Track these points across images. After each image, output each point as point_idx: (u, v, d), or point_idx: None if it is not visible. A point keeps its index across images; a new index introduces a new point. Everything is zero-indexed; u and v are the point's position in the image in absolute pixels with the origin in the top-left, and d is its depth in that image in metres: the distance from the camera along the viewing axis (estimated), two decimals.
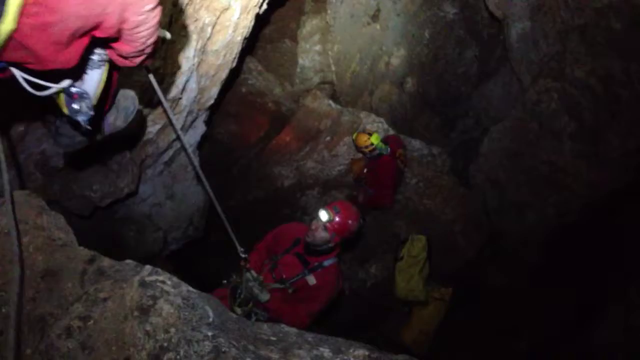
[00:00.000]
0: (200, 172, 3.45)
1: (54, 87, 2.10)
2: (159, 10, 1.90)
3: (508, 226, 7.08)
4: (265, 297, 4.13)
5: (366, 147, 7.04)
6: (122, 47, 2.02)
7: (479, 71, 8.55)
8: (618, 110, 5.91)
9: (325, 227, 4.12)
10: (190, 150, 6.11)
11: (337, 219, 4.13)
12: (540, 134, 6.56)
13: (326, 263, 4.25)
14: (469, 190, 7.57)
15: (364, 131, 7.44)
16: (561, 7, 6.22)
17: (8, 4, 1.53)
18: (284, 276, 4.28)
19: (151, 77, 2.65)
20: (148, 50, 2.07)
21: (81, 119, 2.26)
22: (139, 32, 1.92)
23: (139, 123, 4.73)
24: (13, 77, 1.93)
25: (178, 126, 5.35)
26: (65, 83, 2.14)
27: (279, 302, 4.20)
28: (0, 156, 1.99)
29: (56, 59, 1.85)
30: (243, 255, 4.02)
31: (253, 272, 4.18)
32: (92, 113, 2.28)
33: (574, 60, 6.13)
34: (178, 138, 5.31)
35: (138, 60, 2.13)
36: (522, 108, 6.82)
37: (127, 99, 2.85)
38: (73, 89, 2.19)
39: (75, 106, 2.21)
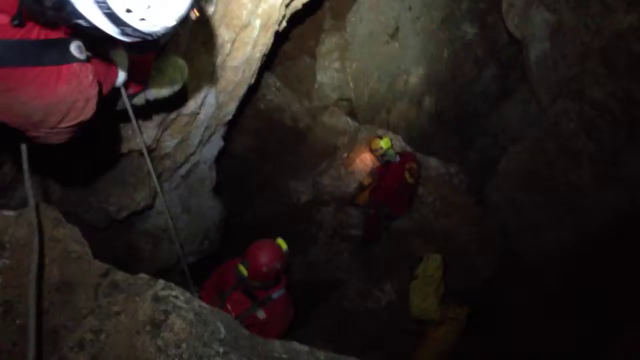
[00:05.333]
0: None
1: None
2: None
3: (525, 247, 7.02)
4: None
5: (376, 150, 7.39)
6: None
7: (497, 91, 8.53)
8: (637, 132, 5.87)
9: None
10: (206, 165, 6.17)
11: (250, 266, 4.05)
12: (558, 154, 6.52)
13: (275, 295, 4.19)
14: (485, 209, 7.52)
15: (376, 135, 7.80)
16: (581, 29, 6.20)
17: None
18: (233, 314, 4.13)
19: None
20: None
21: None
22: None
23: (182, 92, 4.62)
24: None
25: (195, 141, 5.41)
26: None
27: None
28: (25, 175, 2.06)
29: None
30: (195, 295, 3.91)
31: None
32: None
33: (593, 82, 6.10)
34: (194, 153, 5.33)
35: None
36: (540, 128, 6.80)
37: (175, 69, 2.99)
38: None
39: None
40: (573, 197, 6.44)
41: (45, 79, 1.78)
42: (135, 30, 1.57)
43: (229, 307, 4.25)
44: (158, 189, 3.24)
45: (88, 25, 1.56)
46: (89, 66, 1.94)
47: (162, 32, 1.65)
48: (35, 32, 1.73)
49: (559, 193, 6.57)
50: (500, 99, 8.43)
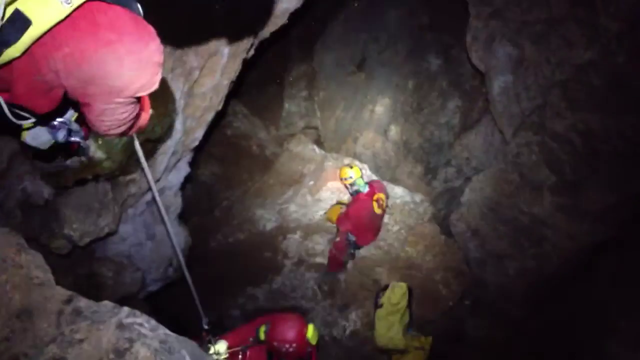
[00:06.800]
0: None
1: (31, 119, 2.00)
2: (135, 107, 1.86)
3: (488, 276, 7.08)
4: None
5: (345, 179, 7.30)
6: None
7: (461, 122, 8.67)
8: (598, 165, 5.99)
9: None
10: (172, 192, 6.12)
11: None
12: (520, 185, 6.62)
13: None
14: (450, 239, 7.59)
15: (347, 164, 7.72)
16: (543, 62, 6.37)
17: (25, 36, 1.53)
18: None
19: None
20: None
21: (75, 139, 2.20)
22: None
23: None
24: None
25: (161, 167, 5.38)
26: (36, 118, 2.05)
27: None
28: None
29: (32, 103, 1.83)
30: (205, 327, 3.86)
31: (218, 347, 4.05)
32: (75, 138, 2.22)
33: (554, 115, 6.24)
34: (158, 180, 5.29)
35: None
36: (503, 159, 6.90)
37: None
38: (55, 122, 2.11)
39: (60, 134, 2.15)
40: (535, 228, 6.53)
41: (140, 31, 1.69)
42: None
43: (247, 354, 4.22)
44: (150, 179, 3.08)
45: None
46: None
47: None
48: None
49: (521, 224, 6.65)
50: (464, 129, 8.57)
